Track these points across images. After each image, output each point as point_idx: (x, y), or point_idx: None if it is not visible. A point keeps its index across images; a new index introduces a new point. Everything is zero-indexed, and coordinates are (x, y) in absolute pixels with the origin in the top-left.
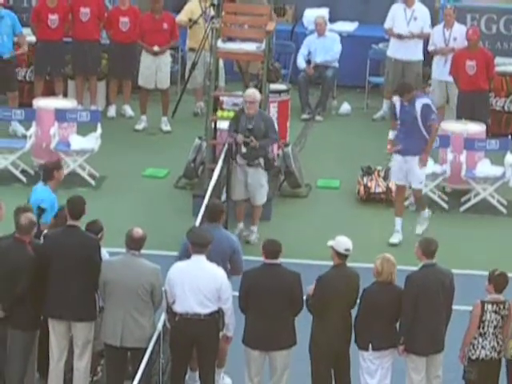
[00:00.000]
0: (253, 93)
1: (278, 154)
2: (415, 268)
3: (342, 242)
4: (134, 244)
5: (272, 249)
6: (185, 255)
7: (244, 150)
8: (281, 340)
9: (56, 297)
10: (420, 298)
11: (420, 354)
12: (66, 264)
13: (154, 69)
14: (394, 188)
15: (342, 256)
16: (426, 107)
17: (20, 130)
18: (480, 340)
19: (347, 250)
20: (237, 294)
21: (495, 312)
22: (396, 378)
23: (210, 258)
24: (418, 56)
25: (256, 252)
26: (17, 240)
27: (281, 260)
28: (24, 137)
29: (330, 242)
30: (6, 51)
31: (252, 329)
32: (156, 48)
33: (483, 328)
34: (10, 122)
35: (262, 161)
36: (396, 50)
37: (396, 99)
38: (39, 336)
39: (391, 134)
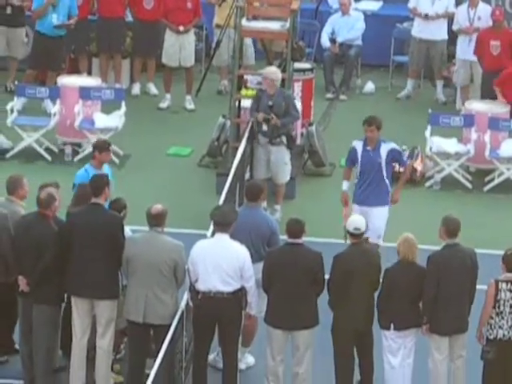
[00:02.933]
0: (270, 71)
1: (302, 133)
2: (439, 247)
3: (352, 221)
4: (154, 220)
5: (295, 228)
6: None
7: (265, 128)
8: (303, 319)
9: (79, 274)
10: (442, 278)
11: (442, 333)
12: (89, 242)
13: (178, 47)
14: (419, 168)
15: (354, 235)
16: (393, 152)
17: (50, 107)
18: (497, 320)
19: (356, 228)
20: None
21: (510, 291)
22: (419, 357)
23: (252, 241)
24: (443, 35)
25: (280, 231)
26: (40, 214)
27: (305, 239)
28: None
29: None
30: (60, 31)
31: (274, 308)
32: (181, 28)
33: (499, 307)
34: (43, 100)
35: (284, 139)
36: (421, 30)
37: (357, 143)
38: (62, 314)
39: (345, 185)
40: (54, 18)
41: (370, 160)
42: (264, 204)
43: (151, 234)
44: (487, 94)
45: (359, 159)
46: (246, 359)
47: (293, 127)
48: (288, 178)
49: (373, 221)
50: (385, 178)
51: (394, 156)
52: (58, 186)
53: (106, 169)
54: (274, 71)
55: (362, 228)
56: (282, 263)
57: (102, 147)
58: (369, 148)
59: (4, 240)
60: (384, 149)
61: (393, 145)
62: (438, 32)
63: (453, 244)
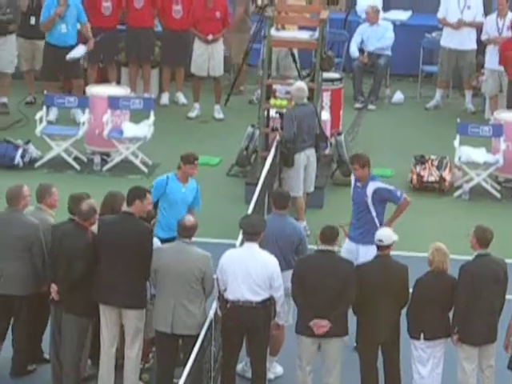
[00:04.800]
0: (294, 86)
1: (330, 143)
2: (469, 257)
3: (377, 233)
4: (186, 232)
5: (330, 234)
6: None
7: None
8: (334, 328)
9: (107, 283)
10: (474, 289)
11: (473, 344)
12: (118, 250)
13: (207, 56)
14: (447, 178)
15: (378, 247)
16: (379, 191)
17: (79, 116)
18: None
19: (380, 240)
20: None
21: None
22: (448, 367)
23: (280, 249)
24: (472, 45)
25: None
26: (77, 224)
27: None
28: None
29: None
30: (70, 40)
31: (304, 316)
32: (210, 37)
33: None
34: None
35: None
36: (450, 40)
37: (353, 177)
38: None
39: None
40: (63, 28)
41: (359, 197)
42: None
43: (179, 244)
44: None
45: (352, 192)
46: (275, 369)
47: (293, 146)
48: (294, 193)
49: (359, 259)
50: (374, 217)
51: (380, 195)
52: (88, 197)
53: (192, 183)
54: (295, 87)
55: (384, 240)
56: (314, 271)
57: (186, 159)
58: (359, 184)
59: (34, 251)
60: (370, 187)
61: (379, 184)
62: (467, 41)
63: (485, 254)
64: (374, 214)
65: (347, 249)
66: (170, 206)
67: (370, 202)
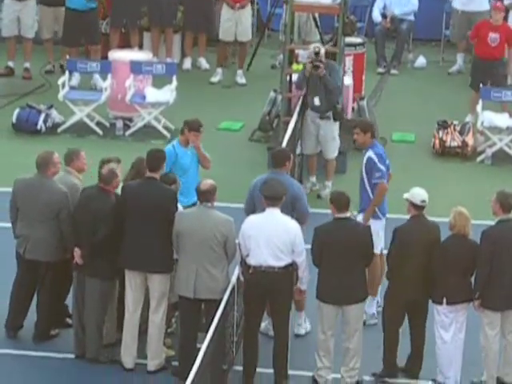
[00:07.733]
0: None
1: (353, 108)
2: (490, 222)
3: (419, 194)
4: (204, 196)
5: (343, 201)
6: (250, 207)
7: (317, 102)
8: (354, 293)
9: (132, 248)
10: (496, 254)
11: (495, 309)
12: (144, 215)
13: (234, 22)
14: (470, 142)
15: (418, 207)
16: (369, 161)
17: (100, 83)
18: None
19: (423, 201)
20: (309, 247)
21: None
22: (471, 333)
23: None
24: (485, 6)
25: (326, 206)
26: (101, 189)
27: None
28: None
29: (406, 195)
30: (89, 3)
31: (325, 283)
32: (237, 6)
33: None
34: (92, 76)
35: (330, 114)
36: (462, 2)
37: None
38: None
39: None
40: None
41: (361, 164)
42: (313, 179)
43: (201, 209)
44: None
45: None
46: (306, 324)
47: (338, 99)
48: (336, 153)
49: None
50: (366, 185)
51: (369, 164)
52: (119, 161)
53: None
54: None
55: (427, 200)
56: (333, 239)
57: (192, 126)
58: (364, 151)
59: (62, 217)
60: (366, 155)
61: (371, 153)
62: (479, 3)
63: (507, 219)
64: (366, 183)
65: None
66: (184, 172)
67: (363, 169)
